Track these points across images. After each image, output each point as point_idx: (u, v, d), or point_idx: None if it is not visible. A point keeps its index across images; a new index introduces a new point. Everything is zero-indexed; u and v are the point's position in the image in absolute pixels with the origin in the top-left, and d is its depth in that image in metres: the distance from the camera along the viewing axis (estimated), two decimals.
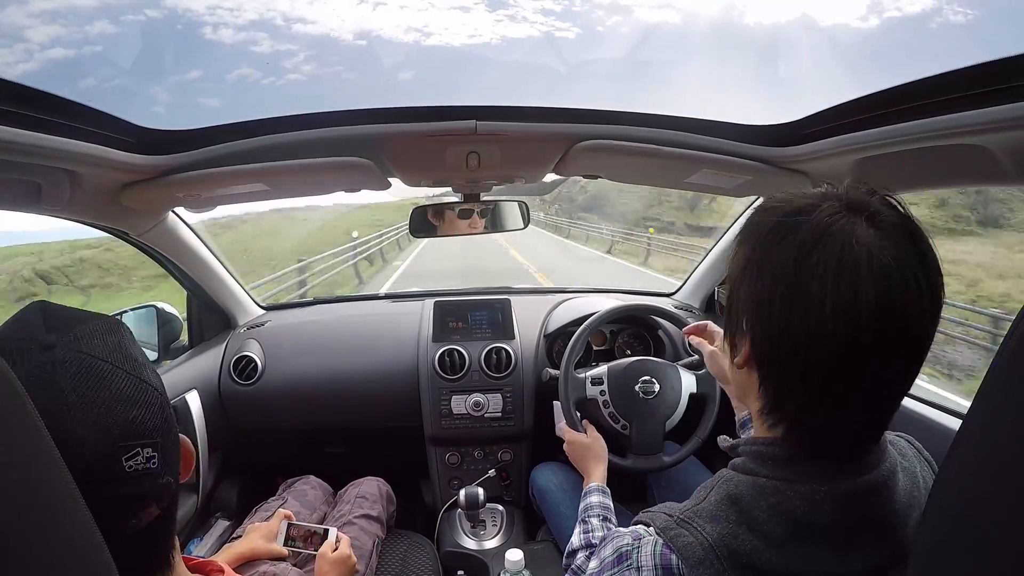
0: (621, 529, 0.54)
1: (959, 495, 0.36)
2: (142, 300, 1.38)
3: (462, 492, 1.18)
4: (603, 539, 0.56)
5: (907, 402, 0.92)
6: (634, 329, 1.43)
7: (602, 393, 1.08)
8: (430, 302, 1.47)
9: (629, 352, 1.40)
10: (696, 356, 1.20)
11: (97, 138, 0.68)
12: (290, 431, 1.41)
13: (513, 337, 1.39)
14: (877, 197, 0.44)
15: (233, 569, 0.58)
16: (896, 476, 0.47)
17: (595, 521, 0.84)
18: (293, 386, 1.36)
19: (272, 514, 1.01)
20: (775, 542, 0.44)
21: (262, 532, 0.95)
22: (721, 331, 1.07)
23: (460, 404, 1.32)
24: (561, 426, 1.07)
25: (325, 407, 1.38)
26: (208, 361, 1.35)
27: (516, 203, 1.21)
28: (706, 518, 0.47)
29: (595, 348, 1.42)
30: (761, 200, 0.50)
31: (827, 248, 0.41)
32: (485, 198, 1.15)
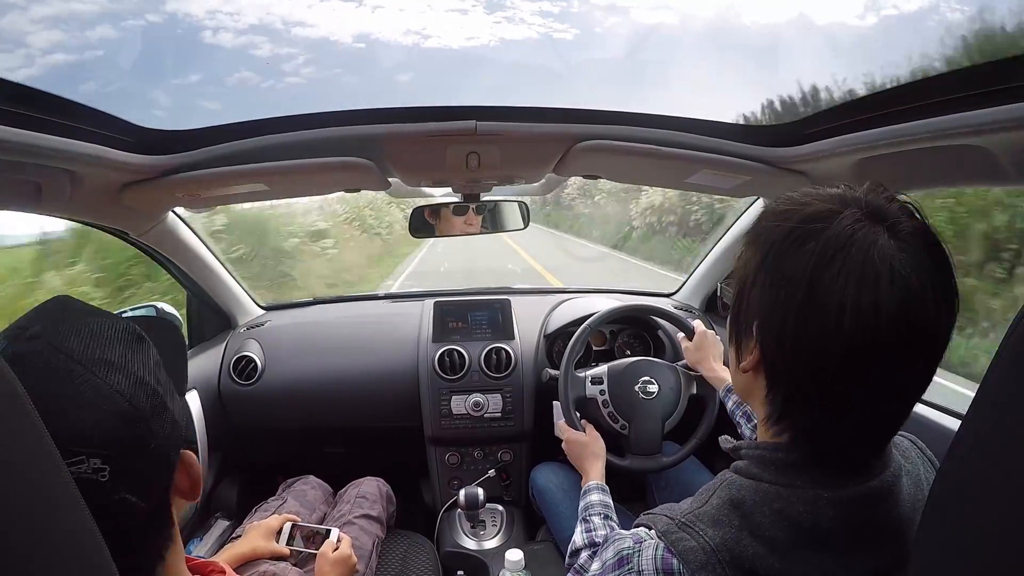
0: (623, 531, 0.54)
1: (958, 495, 0.36)
2: None
3: (462, 492, 1.18)
4: (605, 540, 0.56)
5: None
6: (634, 329, 1.43)
7: (601, 392, 1.08)
8: (430, 302, 1.47)
9: (629, 352, 1.40)
10: None
11: (97, 138, 0.68)
12: (290, 431, 1.41)
13: (513, 337, 1.39)
14: (896, 205, 0.43)
15: (233, 569, 0.58)
16: (900, 481, 0.47)
17: (597, 520, 0.84)
18: (293, 386, 1.36)
19: (272, 514, 1.01)
20: (778, 548, 0.44)
21: (262, 531, 0.95)
22: (710, 332, 1.09)
23: (460, 404, 1.32)
24: (560, 424, 1.07)
25: (325, 407, 1.38)
26: (208, 361, 1.35)
27: (516, 203, 1.21)
28: (708, 522, 0.46)
29: (595, 348, 1.42)
30: (770, 202, 0.49)
31: (849, 259, 0.40)
32: (485, 198, 1.15)
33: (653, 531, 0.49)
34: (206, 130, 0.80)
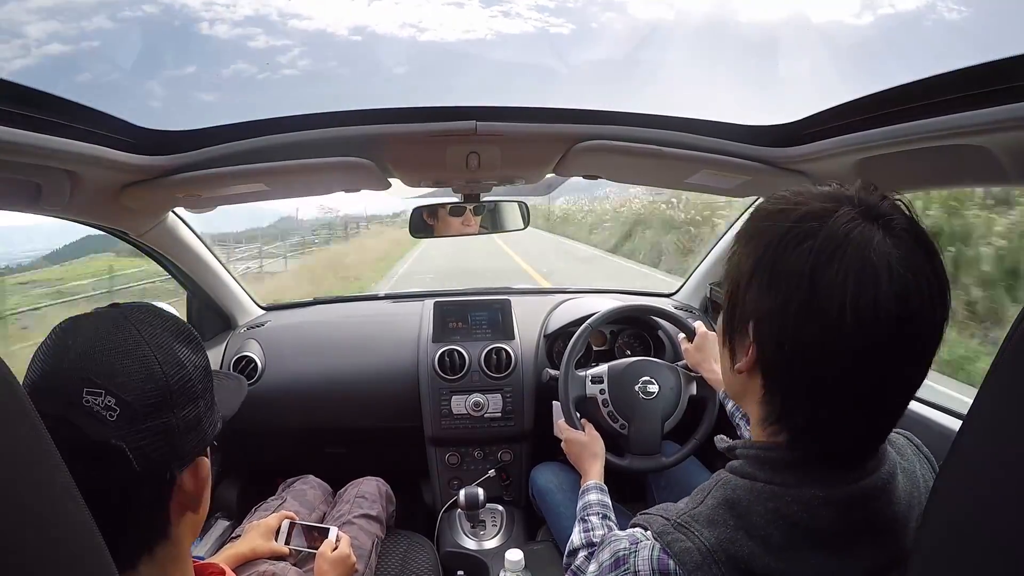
0: (619, 532, 0.54)
1: (961, 495, 0.36)
2: None
3: (462, 492, 1.18)
4: (601, 541, 0.56)
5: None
6: (634, 329, 1.43)
7: (601, 392, 1.08)
8: (430, 302, 1.47)
9: (629, 352, 1.40)
10: None
11: (97, 138, 0.68)
12: (290, 431, 1.41)
13: (513, 337, 1.39)
14: (889, 202, 0.43)
15: (233, 569, 0.58)
16: (896, 479, 0.47)
17: (595, 520, 0.84)
18: (293, 386, 1.36)
19: (271, 513, 1.01)
20: (773, 547, 0.44)
21: (261, 531, 0.95)
22: (711, 333, 1.08)
23: (460, 404, 1.32)
24: (559, 424, 1.07)
25: (325, 407, 1.38)
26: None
27: (516, 203, 1.21)
28: (703, 522, 0.46)
29: (595, 348, 1.42)
30: (763, 201, 0.49)
31: (847, 256, 0.40)
32: (485, 198, 1.15)
33: (649, 532, 0.49)
34: (206, 130, 0.81)
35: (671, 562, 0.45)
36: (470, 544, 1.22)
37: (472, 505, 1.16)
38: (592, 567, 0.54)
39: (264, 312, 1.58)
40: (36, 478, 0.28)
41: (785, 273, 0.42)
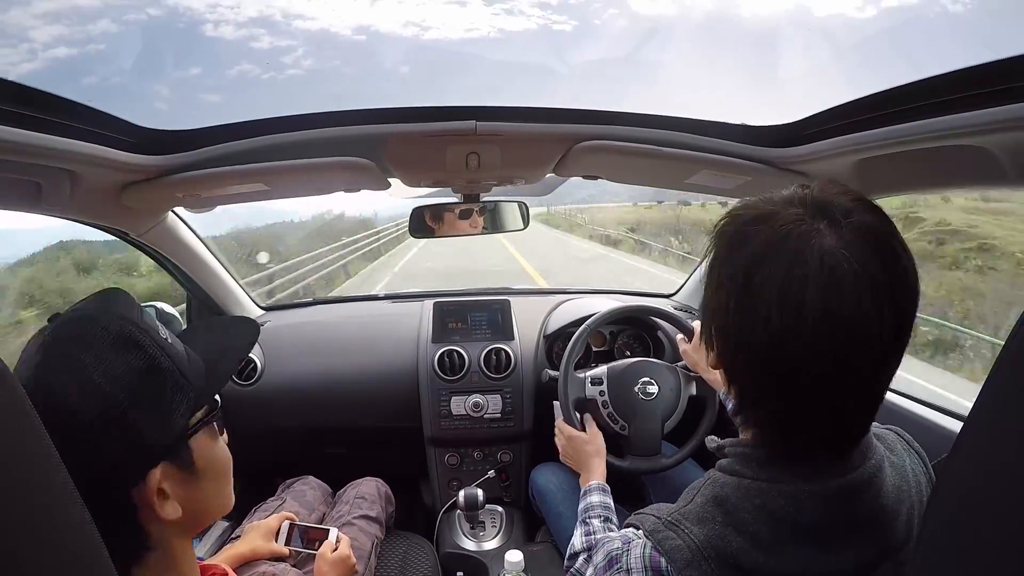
0: (612, 533, 0.55)
1: (961, 495, 0.36)
2: None
3: (461, 493, 1.18)
4: (596, 543, 0.56)
5: (907, 402, 0.92)
6: (633, 330, 1.43)
7: (601, 393, 1.08)
8: (429, 303, 1.46)
9: (628, 353, 1.40)
10: None
11: (98, 138, 0.68)
12: (289, 432, 1.41)
13: (513, 338, 1.39)
14: (848, 198, 0.42)
15: (233, 570, 0.58)
16: (882, 472, 0.47)
17: (596, 523, 0.84)
18: (292, 387, 1.36)
19: (270, 514, 1.01)
20: (762, 543, 0.44)
21: (261, 531, 0.95)
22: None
23: (460, 405, 1.32)
24: (559, 423, 1.07)
25: (324, 408, 1.37)
26: None
27: (516, 203, 1.21)
28: (693, 520, 0.47)
29: (595, 349, 1.42)
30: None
31: (778, 259, 0.40)
32: (485, 199, 1.15)
33: (641, 530, 0.50)
34: (206, 130, 0.81)
35: (662, 560, 0.46)
36: (470, 545, 1.22)
37: (472, 506, 1.16)
38: (588, 572, 0.55)
39: (264, 312, 1.57)
40: (36, 478, 0.28)
41: (728, 274, 0.44)
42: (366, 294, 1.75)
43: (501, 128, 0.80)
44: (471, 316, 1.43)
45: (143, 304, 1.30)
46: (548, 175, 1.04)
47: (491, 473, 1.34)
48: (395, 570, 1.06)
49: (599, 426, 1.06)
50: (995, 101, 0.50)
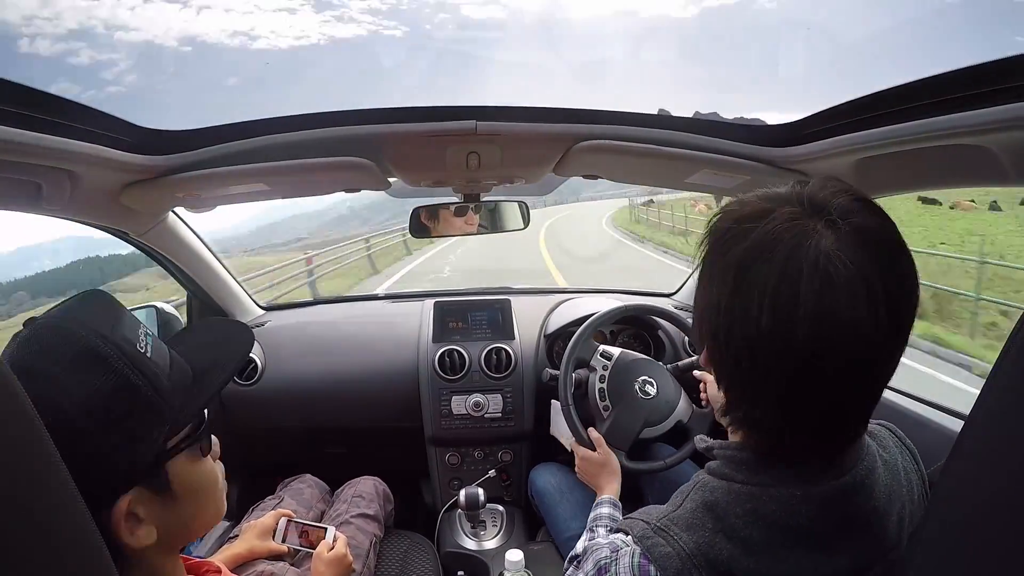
0: (601, 540, 0.54)
1: (962, 495, 0.36)
2: None
3: (462, 492, 1.18)
4: (585, 551, 0.56)
5: (907, 402, 0.92)
6: (634, 329, 1.43)
7: (604, 368, 1.08)
8: (430, 302, 1.47)
9: None
10: (696, 357, 1.20)
11: (97, 138, 0.69)
12: (290, 431, 1.41)
13: (513, 337, 1.39)
14: (850, 197, 0.41)
15: (231, 569, 0.57)
16: (875, 473, 0.47)
17: (602, 531, 0.84)
18: (293, 386, 1.36)
19: (268, 512, 1.01)
20: (753, 548, 0.44)
21: (258, 531, 0.95)
22: None
23: (460, 404, 1.32)
24: (571, 443, 1.06)
25: (325, 407, 1.37)
26: None
27: (516, 203, 1.21)
28: (682, 526, 0.46)
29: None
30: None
31: (772, 260, 0.39)
32: (485, 198, 1.15)
33: (630, 536, 0.49)
34: (206, 130, 0.81)
35: (652, 567, 0.45)
36: (470, 544, 1.22)
37: (472, 505, 1.16)
38: None
39: (264, 312, 1.58)
40: (36, 478, 0.28)
41: (719, 272, 0.43)
42: (367, 294, 1.75)
43: (501, 128, 0.80)
44: (471, 316, 1.43)
45: (144, 304, 1.30)
46: (548, 174, 1.04)
47: (492, 472, 1.34)
48: (396, 569, 1.07)
49: (584, 395, 1.06)
50: (995, 100, 0.50)
